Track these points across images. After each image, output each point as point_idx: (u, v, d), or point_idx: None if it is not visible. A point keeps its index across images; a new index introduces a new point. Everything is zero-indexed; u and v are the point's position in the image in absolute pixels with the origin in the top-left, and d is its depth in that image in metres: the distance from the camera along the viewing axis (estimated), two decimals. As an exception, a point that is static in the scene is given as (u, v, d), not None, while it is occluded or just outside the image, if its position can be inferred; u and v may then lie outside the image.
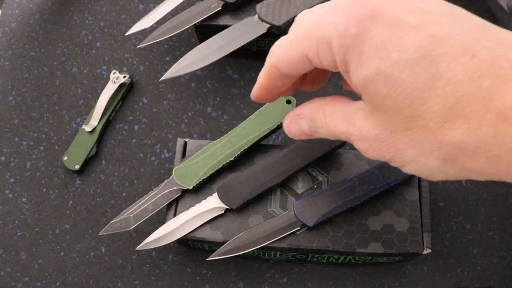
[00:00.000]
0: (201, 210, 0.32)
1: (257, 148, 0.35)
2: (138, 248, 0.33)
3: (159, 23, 0.43)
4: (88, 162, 0.42)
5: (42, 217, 0.40)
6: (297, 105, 0.34)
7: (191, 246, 0.36)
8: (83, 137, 0.42)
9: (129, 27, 0.44)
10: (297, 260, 0.36)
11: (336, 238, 0.32)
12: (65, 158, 0.41)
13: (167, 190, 0.33)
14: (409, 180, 0.34)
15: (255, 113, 0.34)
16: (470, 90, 0.16)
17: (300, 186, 0.34)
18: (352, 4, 0.19)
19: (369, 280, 0.38)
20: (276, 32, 0.39)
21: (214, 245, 0.33)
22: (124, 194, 0.41)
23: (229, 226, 0.33)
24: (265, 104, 0.35)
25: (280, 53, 0.22)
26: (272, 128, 0.34)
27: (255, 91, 0.26)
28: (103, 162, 0.42)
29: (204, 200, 0.33)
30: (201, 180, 0.33)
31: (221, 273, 0.38)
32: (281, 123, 0.33)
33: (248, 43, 0.39)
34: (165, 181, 0.33)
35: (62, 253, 0.39)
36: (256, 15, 0.40)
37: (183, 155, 0.35)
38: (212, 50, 0.39)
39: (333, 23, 0.19)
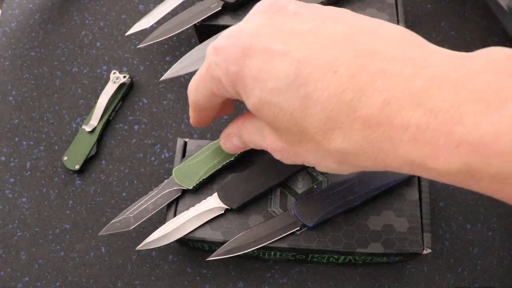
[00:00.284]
0: (201, 210, 0.32)
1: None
2: (138, 248, 0.33)
3: (159, 23, 0.43)
4: (88, 162, 0.42)
5: (42, 217, 0.40)
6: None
7: (191, 246, 0.36)
8: (83, 137, 0.42)
9: (129, 27, 0.44)
10: (297, 260, 0.36)
11: (336, 238, 0.32)
12: (65, 158, 0.41)
13: (167, 190, 0.33)
14: (409, 180, 0.34)
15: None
16: (337, 105, 0.19)
17: (300, 186, 0.34)
18: (227, 45, 0.21)
19: (369, 280, 0.38)
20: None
21: (214, 245, 0.33)
22: (124, 194, 0.41)
23: (229, 226, 0.33)
24: None
25: (194, 93, 0.26)
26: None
27: (192, 121, 0.29)
28: (103, 162, 0.42)
29: (204, 200, 0.33)
30: (201, 180, 0.33)
31: (221, 273, 0.38)
32: None
33: (248, 43, 0.39)
34: (165, 181, 0.33)
35: (62, 253, 0.39)
36: (256, 15, 0.40)
37: (183, 155, 0.35)
38: (212, 50, 0.39)
39: (218, 65, 0.22)
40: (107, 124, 0.43)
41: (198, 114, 0.28)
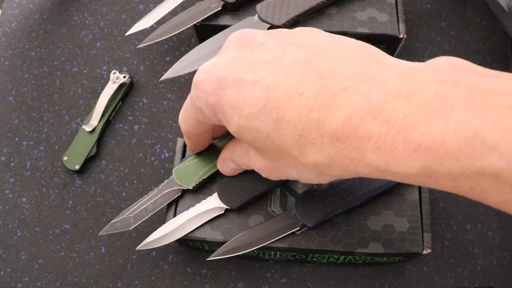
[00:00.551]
0: (201, 210, 0.32)
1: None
2: (138, 248, 0.33)
3: (159, 23, 0.43)
4: (88, 162, 0.42)
5: (42, 217, 0.40)
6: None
7: (191, 246, 0.36)
8: (83, 137, 0.42)
9: (129, 27, 0.44)
10: (297, 260, 0.36)
11: (336, 238, 0.32)
12: (65, 158, 0.41)
13: (167, 190, 0.33)
14: (409, 180, 0.34)
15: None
16: (306, 123, 0.21)
17: (300, 186, 0.34)
18: (204, 79, 0.24)
19: (369, 280, 0.38)
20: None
21: (214, 245, 0.33)
22: (124, 194, 0.41)
23: (229, 226, 0.33)
24: None
25: (184, 123, 0.29)
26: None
27: (189, 148, 0.32)
28: (103, 162, 0.42)
29: (204, 200, 0.33)
30: (201, 180, 0.33)
31: (221, 273, 0.38)
32: None
33: (248, 43, 0.39)
34: (165, 181, 0.33)
35: (62, 253, 0.39)
36: (256, 15, 0.40)
37: (183, 155, 0.35)
38: (212, 50, 0.39)
39: (198, 97, 0.24)
40: (107, 124, 0.43)
41: (193, 141, 0.31)
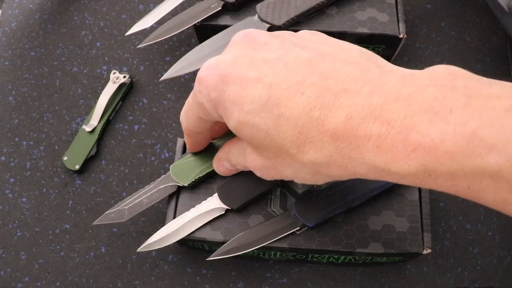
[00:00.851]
0: (202, 211, 0.32)
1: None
2: (139, 249, 0.33)
3: (159, 23, 0.43)
4: (88, 162, 0.42)
5: (42, 217, 0.40)
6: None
7: (191, 246, 0.36)
8: (83, 137, 0.42)
9: (129, 27, 0.44)
10: (297, 260, 0.36)
11: (336, 238, 0.32)
12: (65, 158, 0.41)
13: (163, 186, 0.33)
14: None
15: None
16: (307, 121, 0.21)
17: (300, 186, 0.34)
18: (207, 75, 0.24)
19: (369, 280, 0.38)
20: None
21: (214, 245, 0.33)
22: (124, 194, 0.41)
23: (229, 226, 0.33)
24: None
25: (185, 120, 0.29)
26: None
27: (189, 147, 0.33)
28: (103, 162, 0.42)
29: (204, 201, 0.33)
30: (197, 178, 0.33)
31: (221, 273, 0.38)
32: None
33: (248, 43, 0.39)
34: (162, 176, 0.34)
35: (62, 253, 0.39)
36: (256, 15, 0.40)
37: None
38: (212, 50, 0.39)
39: (201, 92, 0.25)
40: (107, 124, 0.43)
41: (192, 139, 0.31)
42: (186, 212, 0.33)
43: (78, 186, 0.41)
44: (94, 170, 0.42)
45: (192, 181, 0.33)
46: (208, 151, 0.33)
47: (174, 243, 0.33)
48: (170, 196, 0.34)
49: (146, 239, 0.33)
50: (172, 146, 0.43)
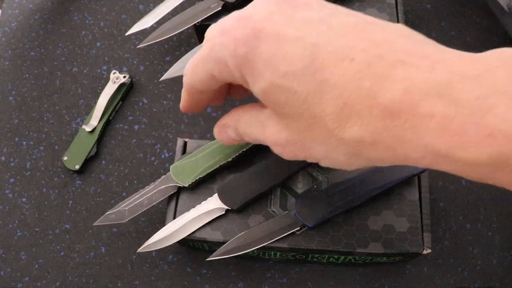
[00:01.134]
0: (202, 211, 0.32)
1: (257, 148, 0.35)
2: (139, 250, 0.33)
3: (159, 23, 0.43)
4: (88, 162, 0.42)
5: (42, 217, 0.40)
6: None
7: (191, 246, 0.36)
8: (83, 137, 0.42)
9: (129, 27, 0.44)
10: (297, 260, 0.36)
11: (336, 238, 0.32)
12: (65, 158, 0.41)
13: (163, 186, 0.33)
14: (409, 180, 0.34)
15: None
16: (355, 92, 0.18)
17: (300, 186, 0.34)
18: (237, 26, 0.21)
19: (369, 280, 0.38)
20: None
21: (214, 245, 0.33)
22: (124, 194, 0.41)
23: (229, 226, 0.33)
24: None
25: (191, 74, 0.25)
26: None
27: (182, 105, 0.27)
28: (103, 162, 0.42)
29: (204, 202, 0.33)
30: (197, 178, 0.33)
31: (221, 273, 0.38)
32: None
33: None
34: (162, 177, 0.34)
35: (62, 253, 0.39)
36: (256, 15, 0.40)
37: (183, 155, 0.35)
38: (212, 50, 0.39)
39: (225, 46, 0.21)
40: (107, 124, 0.43)
41: (191, 98, 0.27)
42: (186, 213, 0.33)
43: (78, 186, 0.41)
44: (94, 170, 0.42)
45: (192, 182, 0.33)
46: (208, 152, 0.33)
47: (174, 243, 0.32)
48: (170, 197, 0.34)
49: (146, 239, 0.33)
50: (172, 146, 0.43)
